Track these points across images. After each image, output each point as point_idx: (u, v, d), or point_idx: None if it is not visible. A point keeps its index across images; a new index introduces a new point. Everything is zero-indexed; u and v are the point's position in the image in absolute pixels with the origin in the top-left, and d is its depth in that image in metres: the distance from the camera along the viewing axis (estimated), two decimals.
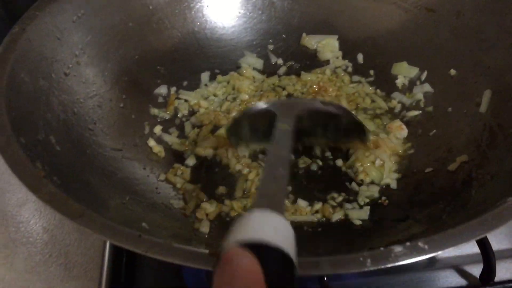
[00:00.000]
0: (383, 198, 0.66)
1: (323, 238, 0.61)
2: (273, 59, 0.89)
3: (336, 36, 0.88)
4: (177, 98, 0.82)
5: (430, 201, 0.61)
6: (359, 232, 0.61)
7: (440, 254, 0.68)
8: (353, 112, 0.75)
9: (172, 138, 0.76)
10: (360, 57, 0.87)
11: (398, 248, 0.39)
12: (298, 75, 0.85)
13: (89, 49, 0.73)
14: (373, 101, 0.80)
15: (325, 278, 0.61)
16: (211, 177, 0.71)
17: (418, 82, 0.79)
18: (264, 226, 0.37)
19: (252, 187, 0.68)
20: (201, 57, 0.87)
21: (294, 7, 0.89)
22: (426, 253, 0.39)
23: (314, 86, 0.82)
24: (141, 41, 0.81)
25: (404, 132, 0.73)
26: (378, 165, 0.70)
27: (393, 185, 0.68)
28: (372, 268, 0.38)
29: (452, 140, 0.68)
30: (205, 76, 0.86)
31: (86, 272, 0.69)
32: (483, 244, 0.64)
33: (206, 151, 0.73)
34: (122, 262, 0.68)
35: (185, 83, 0.84)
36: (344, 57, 0.88)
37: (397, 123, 0.74)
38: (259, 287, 0.32)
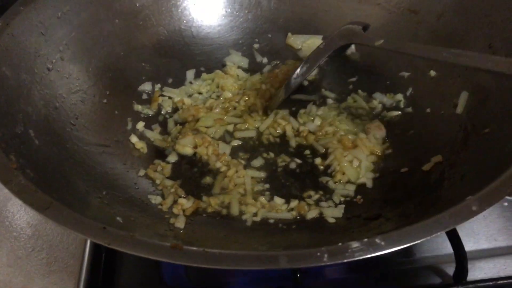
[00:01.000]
0: (358, 196, 0.67)
1: (296, 235, 0.62)
2: (258, 58, 0.90)
3: (321, 36, 0.89)
4: (161, 95, 0.83)
5: (402, 200, 0.62)
6: (332, 230, 0.62)
7: (417, 253, 0.70)
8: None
9: (154, 134, 0.77)
10: None
11: (355, 244, 0.40)
12: None
13: (74, 44, 0.74)
14: (355, 101, 0.81)
15: (298, 275, 0.63)
16: (191, 173, 0.72)
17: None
18: None
19: (231, 184, 0.69)
20: (186, 54, 0.88)
21: (280, 6, 0.90)
22: (382, 249, 0.40)
23: None
24: (127, 38, 0.83)
25: (382, 132, 0.74)
26: (355, 165, 0.71)
27: (369, 184, 0.69)
28: (329, 263, 0.39)
29: (429, 140, 0.69)
30: (190, 73, 0.87)
31: (67, 267, 0.70)
32: (457, 245, 0.65)
33: (185, 149, 0.74)
34: (101, 258, 0.69)
35: (170, 80, 0.85)
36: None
37: (376, 123, 0.75)
38: None
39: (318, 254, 0.39)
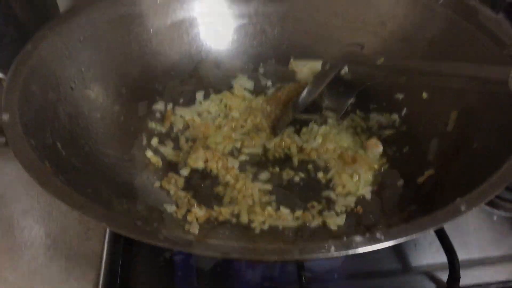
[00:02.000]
0: (358, 207, 0.73)
1: (301, 240, 0.67)
2: (263, 81, 0.96)
3: (321, 61, 0.95)
4: (173, 114, 0.89)
5: (399, 210, 0.68)
6: (335, 236, 0.67)
7: (414, 261, 0.75)
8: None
9: (167, 150, 0.83)
10: None
11: (358, 238, 0.45)
12: None
13: (94, 66, 0.79)
14: (353, 120, 0.88)
15: (304, 279, 0.67)
16: (202, 185, 0.77)
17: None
18: None
19: (240, 195, 0.74)
20: (196, 77, 0.94)
21: (283, 34, 0.97)
22: (382, 242, 0.45)
23: None
24: (142, 61, 0.88)
25: (379, 149, 0.80)
26: (355, 178, 0.76)
27: (368, 196, 0.74)
28: (335, 255, 0.44)
29: (422, 156, 0.75)
30: (200, 94, 0.93)
31: (85, 275, 0.74)
32: (451, 253, 0.70)
33: (197, 163, 0.79)
34: (118, 266, 0.73)
35: (181, 100, 0.91)
36: None
37: (373, 140, 0.81)
38: None
39: (326, 246, 0.44)
